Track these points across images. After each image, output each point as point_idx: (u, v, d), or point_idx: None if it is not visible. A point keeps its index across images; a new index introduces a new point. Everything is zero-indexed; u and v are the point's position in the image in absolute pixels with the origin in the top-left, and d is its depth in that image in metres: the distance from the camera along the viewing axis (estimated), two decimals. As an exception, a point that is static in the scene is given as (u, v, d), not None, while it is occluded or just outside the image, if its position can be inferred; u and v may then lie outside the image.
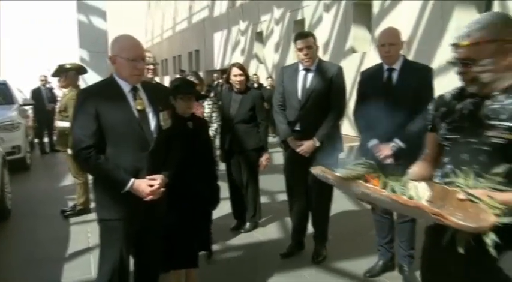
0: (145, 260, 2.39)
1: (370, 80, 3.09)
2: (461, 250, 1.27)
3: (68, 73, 4.71)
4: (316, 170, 1.60)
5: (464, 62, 1.41)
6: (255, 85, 12.02)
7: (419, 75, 2.92)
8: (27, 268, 3.46)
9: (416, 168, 1.69)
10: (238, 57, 15.44)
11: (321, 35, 9.67)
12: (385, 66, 2.98)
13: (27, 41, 12.11)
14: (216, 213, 3.29)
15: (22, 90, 9.66)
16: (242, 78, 3.97)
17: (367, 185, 1.37)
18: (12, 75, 11.16)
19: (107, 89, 2.17)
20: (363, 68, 7.01)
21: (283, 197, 5.20)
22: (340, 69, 3.37)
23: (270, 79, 11.68)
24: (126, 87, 2.17)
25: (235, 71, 3.97)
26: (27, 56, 11.72)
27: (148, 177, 2.17)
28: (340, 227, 4.10)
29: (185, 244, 2.67)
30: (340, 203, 4.77)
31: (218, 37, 18.44)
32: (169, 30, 27.13)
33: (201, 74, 18.56)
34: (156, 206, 2.23)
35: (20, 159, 6.99)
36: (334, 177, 1.49)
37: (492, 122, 1.37)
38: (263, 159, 4.04)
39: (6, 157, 5.14)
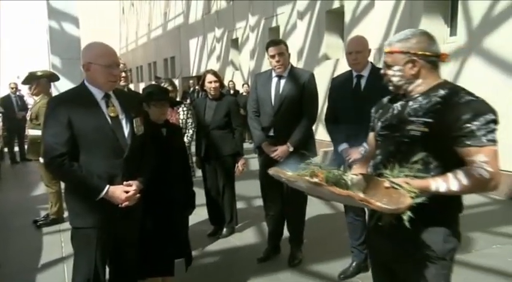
0: (121, 267, 2.38)
1: (340, 86, 3.19)
2: (385, 228, 1.57)
3: (39, 80, 4.64)
4: (271, 171, 1.73)
5: (384, 66, 1.72)
6: (231, 92, 12.07)
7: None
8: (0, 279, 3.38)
9: (359, 163, 2.00)
10: (214, 64, 15.47)
11: (295, 42, 9.82)
12: (354, 73, 3.08)
13: (-4, 47, 11.80)
14: (193, 219, 3.30)
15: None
16: (217, 84, 4.01)
17: (311, 179, 1.54)
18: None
19: (79, 97, 2.16)
20: (336, 75, 7.18)
21: (259, 202, 5.23)
22: (312, 75, 3.45)
23: (246, 86, 11.77)
24: (98, 94, 2.18)
25: (210, 77, 4.00)
26: (-4, 63, 11.42)
27: (124, 183, 2.17)
28: (315, 230, 4.17)
29: (160, 251, 2.67)
30: (315, 207, 4.82)
31: (194, 44, 18.42)
32: (144, 37, 26.90)
33: (176, 81, 18.50)
34: (131, 213, 2.23)
35: (-10, 169, 6.79)
36: (286, 176, 1.64)
37: (412, 118, 1.62)
38: (239, 164, 4.08)
39: (-25, 167, 5.00)
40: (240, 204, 4.94)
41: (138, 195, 2.22)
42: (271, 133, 3.43)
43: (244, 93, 11.32)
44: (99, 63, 2.13)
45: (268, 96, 3.41)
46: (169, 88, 3.77)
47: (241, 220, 4.53)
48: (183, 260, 2.90)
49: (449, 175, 1.53)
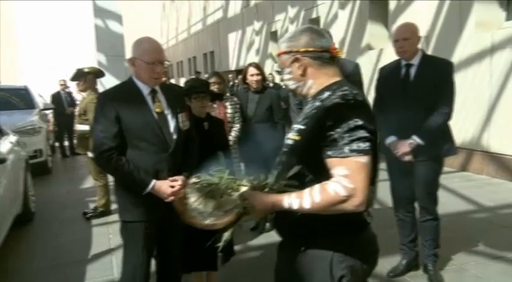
0: (166, 261, 2.40)
1: (388, 76, 3.04)
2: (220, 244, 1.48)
3: (86, 77, 4.77)
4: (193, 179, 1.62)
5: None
6: (271, 84, 12.02)
7: (439, 70, 2.86)
8: (51, 270, 3.52)
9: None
10: (253, 57, 15.43)
11: (336, 32, 9.58)
12: (403, 62, 2.93)
13: (46, 46, 12.34)
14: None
15: (42, 95, 9.85)
16: (259, 77, 3.96)
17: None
18: (32, 80, 11.40)
19: (127, 92, 2.18)
20: (380, 65, 6.93)
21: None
22: (357, 66, 3.33)
23: (285, 78, 11.64)
24: (145, 89, 2.19)
25: (252, 70, 3.96)
26: (46, 62, 11.95)
27: (169, 178, 2.17)
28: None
29: (204, 246, 2.66)
30: (360, 202, 4.72)
31: (233, 38, 18.47)
32: (184, 33, 27.31)
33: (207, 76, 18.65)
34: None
35: (42, 162, 7.13)
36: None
37: (293, 125, 1.47)
38: (281, 158, 4.02)
39: (28, 161, 5.24)
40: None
41: (183, 190, 2.21)
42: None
43: (283, 86, 11.21)
44: (143, 59, 2.14)
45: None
46: (215, 80, 3.77)
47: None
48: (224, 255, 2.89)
49: (306, 191, 1.31)
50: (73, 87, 9.59)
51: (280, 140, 3.96)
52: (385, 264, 3.19)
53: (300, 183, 1.37)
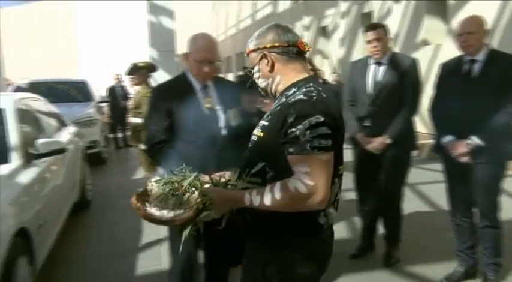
0: (214, 253, 2.42)
1: (449, 72, 2.88)
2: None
3: (140, 71, 4.91)
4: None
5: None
6: (320, 81, 11.83)
7: (506, 67, 2.66)
8: (105, 257, 3.67)
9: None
10: (301, 53, 15.25)
11: (390, 27, 9.24)
12: (466, 58, 2.76)
13: (103, 42, 12.88)
14: None
15: (98, 88, 10.31)
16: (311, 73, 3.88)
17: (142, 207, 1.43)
18: (90, 74, 11.95)
19: (179, 87, 2.21)
20: (437, 61, 6.61)
21: (349, 195, 5.04)
22: (414, 61, 3.18)
23: (335, 74, 11.43)
24: (197, 84, 2.21)
25: None
26: (102, 56, 12.47)
27: (217, 173, 2.18)
28: (414, 228, 3.88)
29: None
30: (412, 203, 4.54)
31: (281, 33, 18.36)
32: (233, 28, 27.54)
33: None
34: None
35: (97, 153, 7.46)
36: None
37: (260, 122, 1.45)
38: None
39: (86, 151, 5.50)
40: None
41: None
42: (368, 123, 3.24)
43: (333, 82, 11.02)
44: (194, 56, 2.16)
45: (365, 84, 3.22)
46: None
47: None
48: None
49: (267, 187, 1.30)
50: (127, 81, 9.99)
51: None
52: (440, 270, 3.06)
53: (262, 180, 1.35)
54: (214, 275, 2.46)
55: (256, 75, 1.49)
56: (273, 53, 1.44)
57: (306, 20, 15.42)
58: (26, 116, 3.42)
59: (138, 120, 4.68)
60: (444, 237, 3.50)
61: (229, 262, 2.56)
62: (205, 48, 2.17)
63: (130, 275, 3.33)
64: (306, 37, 15.48)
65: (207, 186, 1.48)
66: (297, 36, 1.46)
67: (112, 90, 10.12)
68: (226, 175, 2.17)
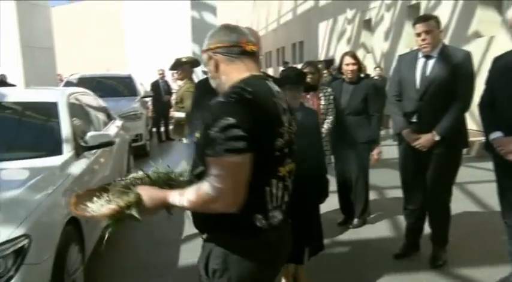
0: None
1: (503, 67, 2.72)
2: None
3: (183, 66, 4.99)
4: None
5: None
6: (362, 75, 11.56)
7: None
8: (148, 246, 3.78)
9: None
10: (343, 47, 14.99)
11: (440, 18, 8.88)
12: (526, 51, 2.59)
13: (148, 38, 13.22)
14: (323, 207, 3.21)
15: (143, 83, 10.59)
16: (354, 67, 3.80)
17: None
18: (135, 69, 12.32)
19: None
20: (489, 54, 6.27)
21: (393, 193, 4.92)
22: (468, 54, 3.03)
23: (378, 69, 11.13)
24: None
25: (347, 59, 3.81)
26: (147, 52, 12.80)
27: None
28: (462, 229, 3.72)
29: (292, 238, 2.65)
30: (461, 203, 4.36)
31: (323, 27, 18.11)
32: (274, 23, 27.44)
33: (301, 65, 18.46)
34: None
35: (142, 146, 7.69)
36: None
37: None
38: (374, 153, 3.84)
39: (131, 144, 5.67)
40: (373, 195, 4.69)
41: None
42: (414, 119, 3.12)
43: (376, 77, 10.74)
44: None
45: (413, 79, 3.10)
46: (309, 71, 3.68)
47: (374, 211, 4.30)
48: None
49: (187, 189, 1.34)
50: (169, 76, 10.20)
51: (374, 133, 3.81)
52: (490, 273, 2.91)
53: (199, 180, 1.34)
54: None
55: (209, 75, 1.53)
56: (217, 54, 1.45)
57: (349, 13, 15.09)
58: (76, 109, 3.56)
59: (180, 114, 4.76)
60: (496, 240, 3.33)
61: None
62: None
63: (172, 265, 3.41)
64: (349, 31, 15.17)
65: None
66: (241, 36, 1.45)
67: (156, 85, 10.37)
68: None
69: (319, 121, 3.01)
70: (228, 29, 1.47)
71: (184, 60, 5.03)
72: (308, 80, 3.70)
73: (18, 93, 3.62)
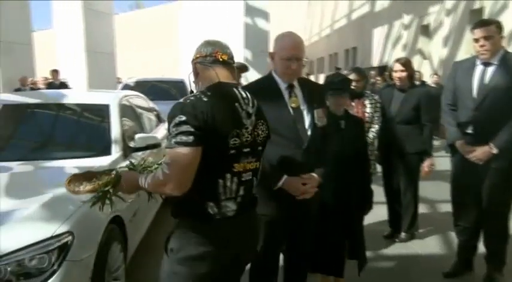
0: (295, 257, 2.38)
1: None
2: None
3: (232, 71, 5.03)
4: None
5: None
6: (417, 82, 11.12)
7: None
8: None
9: None
10: (399, 53, 14.51)
11: (506, 24, 8.33)
12: None
13: (200, 42, 13.56)
14: (370, 218, 3.09)
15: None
16: (403, 74, 3.62)
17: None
18: (189, 73, 12.65)
19: (265, 86, 2.21)
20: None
21: (445, 207, 4.65)
22: None
23: (435, 76, 10.63)
24: (283, 84, 2.19)
25: (396, 66, 3.65)
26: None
27: (302, 175, 2.13)
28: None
29: (332, 250, 2.57)
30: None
31: (378, 33, 17.65)
32: (327, 29, 27.18)
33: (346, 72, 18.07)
34: (308, 205, 2.18)
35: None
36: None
37: None
38: (425, 164, 3.64)
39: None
40: (422, 208, 4.47)
41: (315, 189, 2.15)
42: (470, 130, 2.93)
43: (432, 85, 10.27)
44: (280, 55, 2.14)
45: (470, 87, 2.91)
46: (354, 77, 3.57)
47: (423, 226, 4.08)
48: (355, 261, 2.74)
49: (151, 174, 1.58)
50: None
51: (426, 143, 3.61)
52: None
53: None
54: (292, 278, 2.41)
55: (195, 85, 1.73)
56: (197, 64, 1.69)
57: (406, 18, 14.59)
58: (128, 112, 3.70)
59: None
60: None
61: (309, 267, 2.50)
62: (292, 45, 2.14)
63: None
64: (405, 36, 14.66)
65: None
66: (216, 48, 1.68)
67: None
68: (312, 177, 2.11)
69: (364, 130, 2.90)
70: (208, 43, 1.71)
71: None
72: (353, 87, 3.59)
73: (75, 95, 3.81)
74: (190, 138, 1.46)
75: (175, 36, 15.36)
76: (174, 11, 16.66)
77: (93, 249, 2.05)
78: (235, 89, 1.66)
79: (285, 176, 2.10)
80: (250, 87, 2.29)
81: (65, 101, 3.39)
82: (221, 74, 1.65)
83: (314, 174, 2.16)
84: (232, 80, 1.69)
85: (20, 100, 3.51)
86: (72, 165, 2.61)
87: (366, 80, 3.77)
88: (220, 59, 1.66)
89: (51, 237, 1.86)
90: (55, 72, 11.17)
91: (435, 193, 4.89)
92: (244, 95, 1.67)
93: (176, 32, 15.26)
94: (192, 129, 1.46)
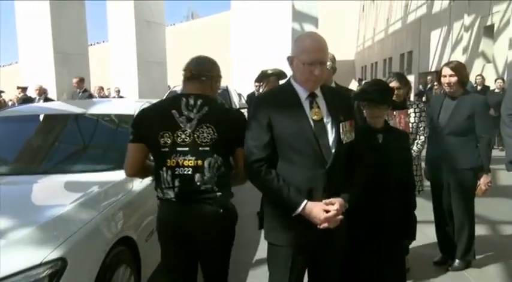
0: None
1: None
2: None
3: (269, 78, 4.81)
4: None
5: None
6: (479, 88, 10.28)
7: None
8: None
9: None
10: (458, 57, 13.54)
11: None
12: None
13: (249, 50, 13.48)
14: (419, 239, 2.69)
15: (242, 94, 10.75)
16: (452, 79, 3.14)
17: None
18: (240, 82, 12.67)
19: (282, 95, 1.91)
20: None
21: (508, 229, 4.08)
22: None
23: (500, 81, 9.73)
24: (303, 93, 1.89)
25: (445, 70, 3.18)
26: (247, 63, 13.03)
27: (324, 201, 1.83)
28: None
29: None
30: None
31: (435, 36, 16.66)
32: (381, 33, 26.23)
33: (411, 77, 17.14)
34: (332, 236, 1.87)
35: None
36: None
37: None
38: (482, 182, 3.16)
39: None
40: (481, 230, 3.95)
41: (340, 216, 1.83)
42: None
43: (496, 90, 9.41)
44: (300, 59, 1.84)
45: (535, 94, 2.46)
46: (395, 85, 3.17)
47: (482, 251, 3.57)
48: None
49: None
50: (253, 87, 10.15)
51: (482, 158, 3.12)
52: None
53: None
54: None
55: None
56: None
57: (467, 19, 13.62)
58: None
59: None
60: None
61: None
62: (314, 48, 1.84)
63: (250, 265, 3.44)
64: (466, 38, 13.68)
65: None
66: (189, 66, 2.05)
67: (251, 97, 10.41)
68: (336, 203, 1.81)
69: (409, 145, 2.50)
70: (189, 60, 2.09)
71: (270, 72, 4.86)
72: (394, 95, 3.20)
73: (100, 105, 3.75)
74: (132, 137, 2.03)
75: (228, 45, 15.47)
76: (228, 20, 16.84)
77: (91, 275, 1.88)
78: (184, 98, 1.98)
79: (305, 201, 1.80)
80: (266, 96, 2.05)
81: (91, 111, 3.31)
82: (185, 87, 2.06)
83: (339, 199, 1.84)
84: (199, 91, 2.00)
85: (38, 110, 3.46)
86: (85, 179, 2.49)
87: (408, 87, 3.34)
88: (184, 75, 2.05)
89: (40, 265, 1.69)
90: (80, 81, 9.39)
91: (496, 212, 4.31)
92: (191, 103, 1.97)
93: (229, 40, 15.35)
94: (133, 130, 2.03)
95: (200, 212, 1.95)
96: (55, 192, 2.26)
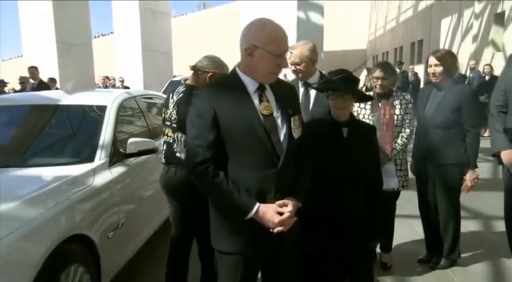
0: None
1: None
2: None
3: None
4: None
5: None
6: (487, 77, 10.00)
7: None
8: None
9: None
10: (468, 45, 13.17)
11: None
12: None
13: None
14: (407, 235, 2.52)
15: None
16: (438, 69, 2.96)
17: None
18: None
19: (228, 88, 1.74)
20: None
21: (496, 225, 3.91)
22: None
23: (508, 70, 9.41)
24: (251, 85, 1.73)
25: (431, 60, 2.99)
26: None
27: (277, 202, 1.70)
28: None
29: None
30: None
31: (446, 24, 16.22)
32: (392, 21, 25.71)
33: (419, 67, 16.73)
34: (285, 239, 1.74)
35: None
36: None
37: None
38: (468, 178, 2.99)
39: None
40: (469, 225, 3.80)
41: (294, 218, 1.71)
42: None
43: None
44: (268, 50, 1.65)
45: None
46: (379, 74, 3.01)
47: (468, 249, 3.43)
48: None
49: None
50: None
51: (468, 153, 2.96)
52: None
53: None
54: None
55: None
56: None
57: (478, 6, 13.19)
58: (132, 114, 3.48)
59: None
60: None
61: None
62: (283, 37, 1.70)
63: None
64: (476, 26, 13.27)
65: None
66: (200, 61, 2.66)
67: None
68: (289, 204, 1.68)
69: (377, 141, 2.35)
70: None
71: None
72: (377, 86, 3.04)
73: (75, 96, 3.65)
74: None
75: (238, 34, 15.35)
76: (237, 11, 16.70)
77: (29, 272, 1.77)
78: (180, 87, 2.66)
79: (258, 204, 1.66)
80: (209, 89, 1.86)
81: (63, 102, 3.21)
82: (190, 79, 2.68)
83: (292, 201, 1.71)
84: (193, 82, 2.65)
85: (9, 102, 3.35)
86: (45, 174, 2.41)
87: (394, 77, 3.16)
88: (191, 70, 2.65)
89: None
90: (33, 69, 8.85)
91: (485, 207, 4.15)
92: (180, 90, 2.63)
93: (238, 30, 15.22)
94: None
95: (177, 179, 2.56)
96: (6, 187, 2.16)
